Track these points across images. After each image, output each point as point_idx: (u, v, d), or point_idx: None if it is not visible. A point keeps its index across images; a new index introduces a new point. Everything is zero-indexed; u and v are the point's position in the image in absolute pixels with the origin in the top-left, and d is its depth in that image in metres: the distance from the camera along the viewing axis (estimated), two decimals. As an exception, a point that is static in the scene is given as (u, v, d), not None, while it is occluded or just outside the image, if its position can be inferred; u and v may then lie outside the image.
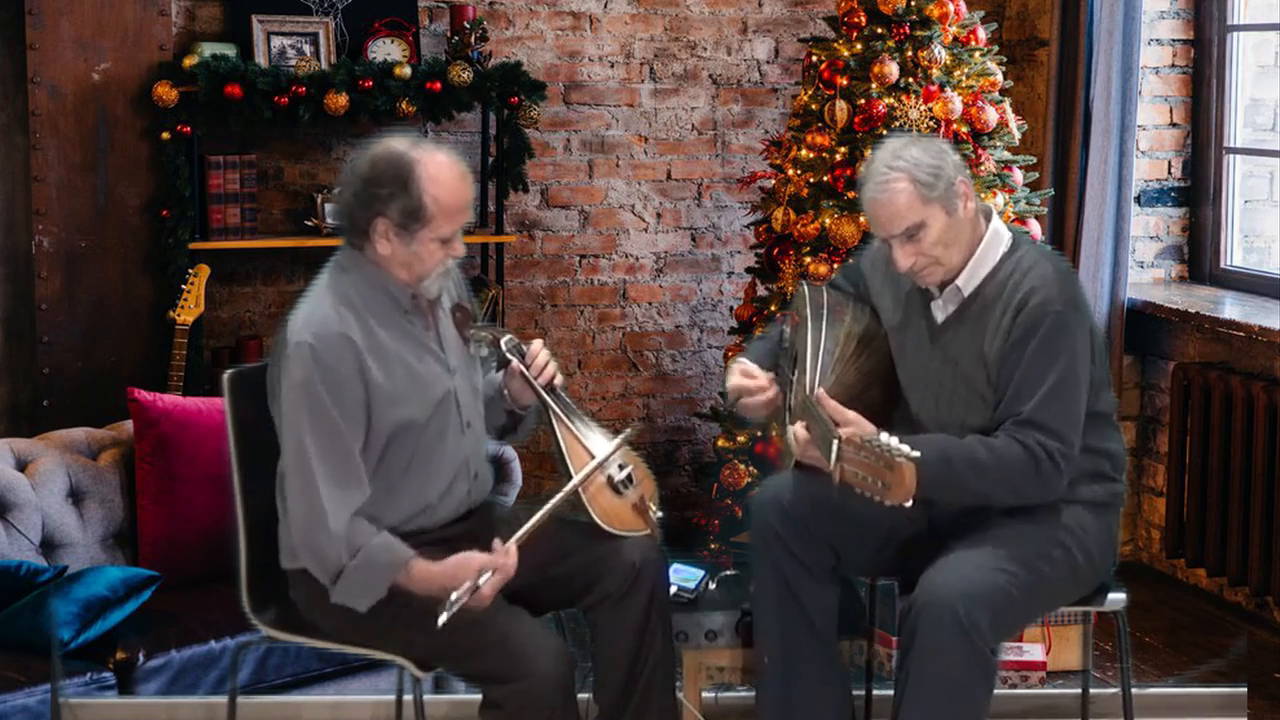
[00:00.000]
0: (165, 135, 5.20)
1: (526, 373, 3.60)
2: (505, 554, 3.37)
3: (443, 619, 3.28)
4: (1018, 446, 3.43)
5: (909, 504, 3.22)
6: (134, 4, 5.25)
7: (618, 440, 3.61)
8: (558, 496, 3.50)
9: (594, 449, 3.58)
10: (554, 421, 3.60)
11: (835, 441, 3.29)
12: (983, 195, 4.98)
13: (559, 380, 3.65)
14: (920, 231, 3.52)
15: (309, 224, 5.46)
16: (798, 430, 3.52)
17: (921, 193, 3.50)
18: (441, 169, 3.43)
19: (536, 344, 3.65)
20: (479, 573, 3.33)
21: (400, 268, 3.47)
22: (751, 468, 5.16)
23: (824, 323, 3.62)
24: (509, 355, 3.61)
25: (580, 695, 3.53)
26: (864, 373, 3.61)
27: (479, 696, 3.46)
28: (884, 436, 3.26)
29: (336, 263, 3.53)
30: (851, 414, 3.44)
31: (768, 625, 3.70)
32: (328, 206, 5.41)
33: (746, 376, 3.66)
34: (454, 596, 3.29)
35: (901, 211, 3.51)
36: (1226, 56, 5.76)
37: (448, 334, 3.59)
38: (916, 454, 3.21)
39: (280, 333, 3.47)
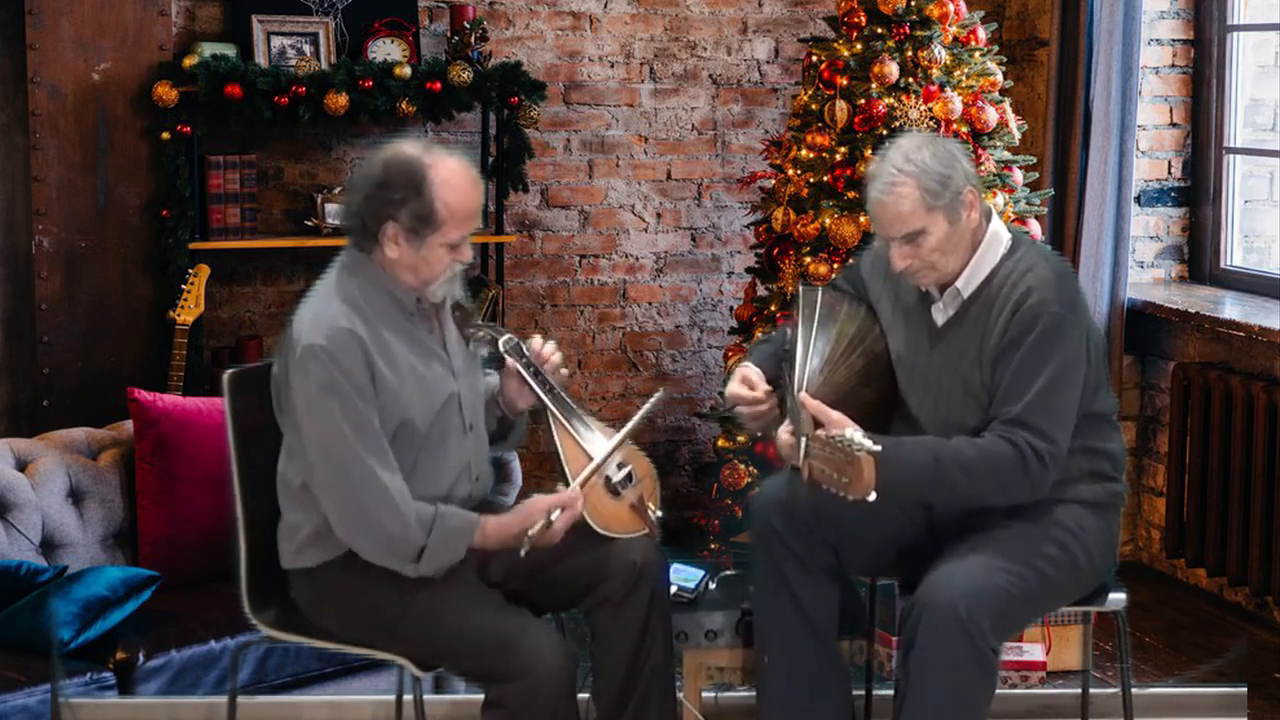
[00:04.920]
0: (165, 135, 5.20)
1: (524, 373, 3.60)
2: (573, 491, 3.50)
3: (524, 552, 3.43)
4: (1006, 445, 3.43)
5: (871, 498, 3.24)
6: (134, 4, 5.25)
7: (652, 400, 3.64)
8: (615, 439, 3.58)
9: (593, 450, 3.58)
10: (551, 423, 3.60)
11: (804, 439, 3.32)
12: (983, 195, 4.98)
13: (564, 371, 3.65)
14: (920, 237, 3.52)
15: (309, 224, 5.46)
16: (782, 433, 3.53)
17: (926, 200, 3.49)
18: (454, 174, 3.42)
19: (537, 339, 3.65)
20: (548, 512, 3.45)
21: (407, 272, 3.46)
22: (751, 468, 5.16)
23: (815, 323, 3.62)
24: (506, 355, 3.61)
25: (580, 695, 3.53)
26: (855, 372, 3.61)
27: (479, 696, 3.46)
28: (849, 432, 3.28)
29: (342, 264, 3.52)
30: (836, 415, 3.43)
31: (768, 625, 3.71)
32: (328, 206, 5.41)
33: (746, 385, 3.65)
34: (530, 533, 3.43)
35: (904, 216, 3.50)
36: (1226, 56, 5.76)
37: (451, 336, 3.59)
38: (877, 448, 3.23)
39: (285, 336, 3.46)
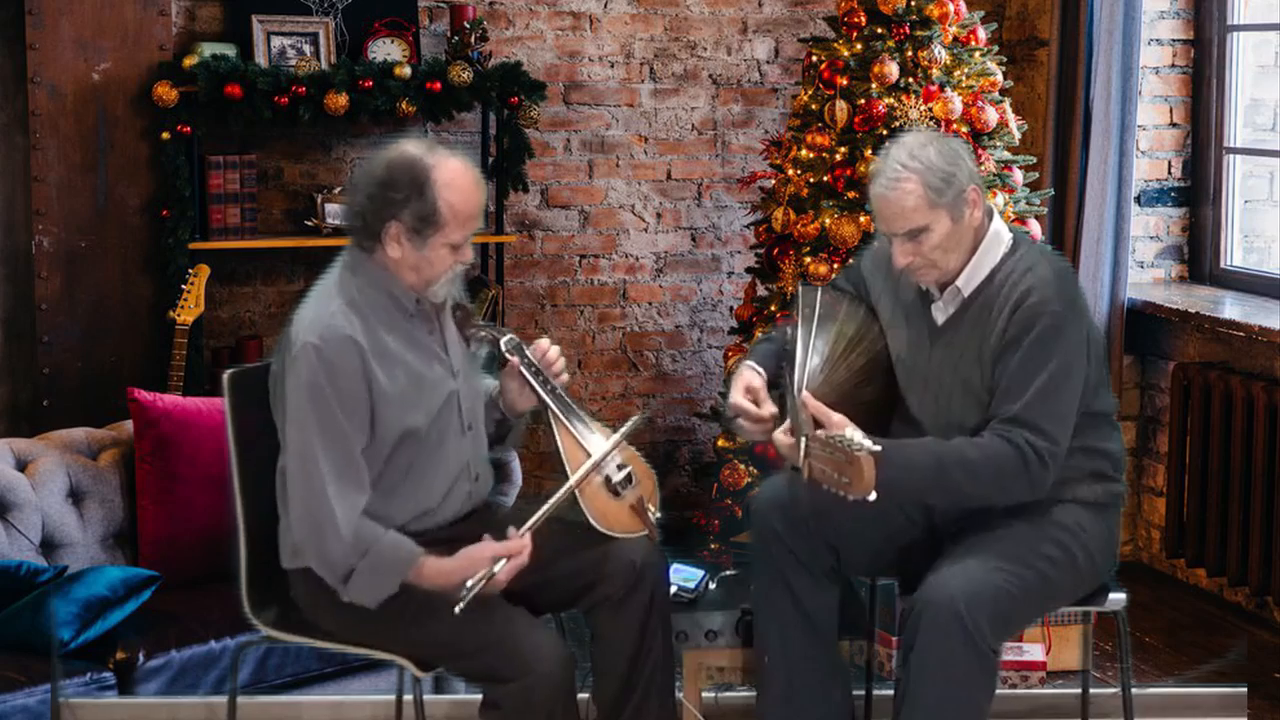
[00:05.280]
0: (165, 135, 5.20)
1: (525, 372, 3.60)
2: (519, 540, 3.40)
3: (459, 608, 3.31)
4: (1006, 445, 3.43)
5: (871, 498, 3.24)
6: (134, 4, 5.25)
7: (630, 423, 3.59)
8: (566, 486, 3.51)
9: (593, 450, 3.58)
10: (553, 422, 3.60)
11: (804, 439, 3.32)
12: (986, 194, 4.99)
13: (564, 378, 3.65)
14: (923, 235, 3.52)
15: (309, 224, 5.46)
16: (779, 435, 3.52)
17: (930, 197, 3.49)
18: (457, 175, 3.43)
19: (544, 341, 3.65)
20: (493, 561, 3.36)
21: (409, 272, 3.46)
22: (751, 468, 5.16)
23: (815, 323, 3.62)
24: (508, 354, 3.61)
25: (580, 695, 3.53)
26: (855, 371, 3.61)
27: (479, 696, 3.46)
28: (848, 431, 3.28)
29: (344, 263, 3.52)
30: (837, 416, 3.43)
31: (768, 625, 3.70)
32: (328, 206, 5.41)
33: (749, 395, 3.63)
34: (469, 584, 3.32)
35: (907, 212, 3.50)
36: (1226, 56, 5.76)
37: (451, 337, 3.59)
38: (876, 447, 3.23)
39: (284, 332, 3.46)
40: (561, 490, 3.51)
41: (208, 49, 5.25)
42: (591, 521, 3.54)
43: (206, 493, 4.30)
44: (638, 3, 5.97)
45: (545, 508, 3.47)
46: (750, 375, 3.65)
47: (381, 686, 4.23)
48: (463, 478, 3.57)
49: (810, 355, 3.56)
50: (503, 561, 3.37)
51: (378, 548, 3.36)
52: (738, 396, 3.62)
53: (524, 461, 5.01)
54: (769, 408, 3.60)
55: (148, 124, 5.27)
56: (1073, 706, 4.18)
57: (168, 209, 5.24)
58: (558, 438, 3.59)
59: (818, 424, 3.43)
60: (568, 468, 3.56)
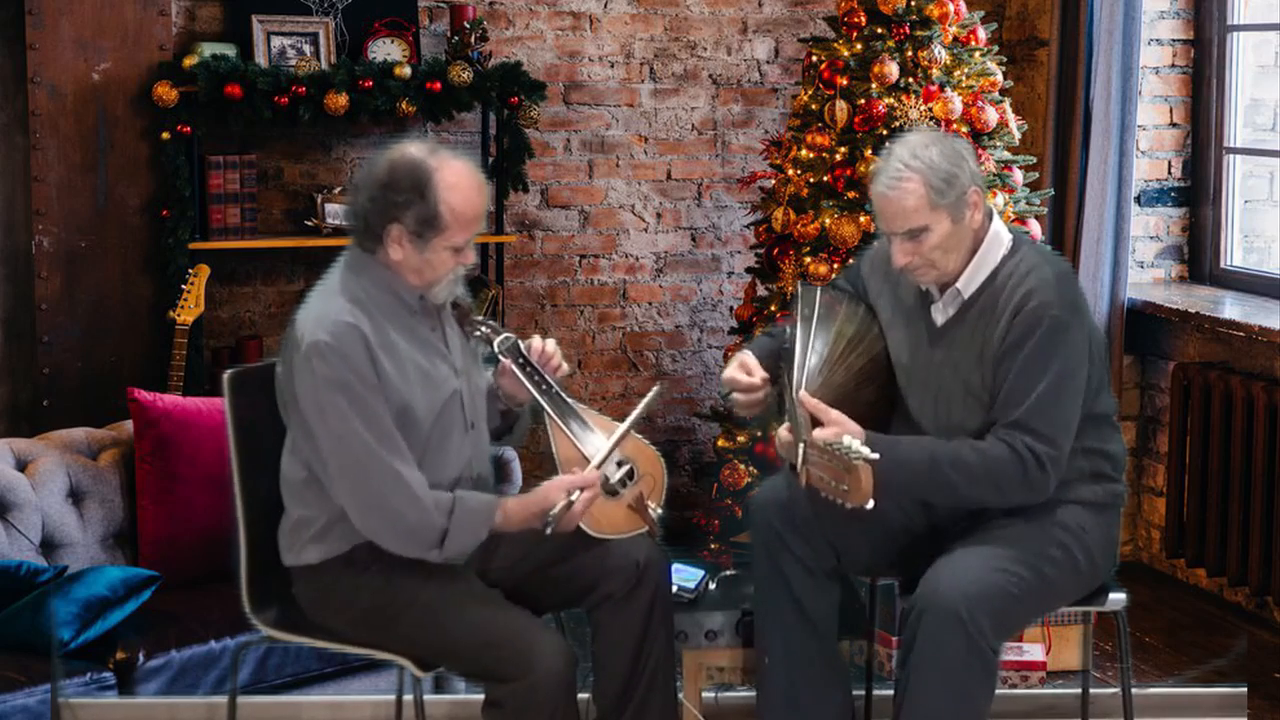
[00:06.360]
0: (165, 135, 5.20)
1: (520, 373, 3.60)
2: (592, 474, 3.50)
3: (549, 530, 3.42)
4: (1005, 449, 3.43)
5: (869, 506, 3.24)
6: (134, 4, 5.25)
7: (652, 394, 3.63)
8: (627, 422, 3.58)
9: (589, 450, 3.57)
10: (547, 423, 3.60)
11: (801, 445, 3.32)
12: (987, 196, 4.99)
13: (564, 369, 3.65)
14: (923, 235, 3.51)
15: (309, 224, 5.46)
16: (782, 433, 3.52)
17: (931, 198, 3.49)
18: (459, 177, 3.42)
19: (537, 339, 3.65)
20: (568, 492, 3.45)
21: (411, 273, 3.46)
22: (751, 468, 5.16)
23: (814, 323, 3.62)
24: (501, 355, 3.60)
25: (581, 694, 3.53)
26: (855, 372, 3.61)
27: (479, 696, 3.46)
28: (847, 439, 3.28)
29: (346, 263, 3.52)
30: (835, 414, 3.43)
31: (768, 625, 3.70)
32: (328, 206, 5.41)
33: (743, 370, 3.66)
34: (553, 512, 3.42)
35: (908, 212, 3.50)
36: (1226, 56, 5.76)
37: (453, 334, 3.59)
38: (875, 456, 3.23)
39: (289, 333, 3.45)
40: (623, 426, 3.57)
41: (208, 49, 5.25)
42: (582, 527, 3.54)
43: (206, 493, 4.31)
44: (638, 3, 5.97)
45: (610, 443, 3.55)
46: (745, 356, 3.69)
47: (381, 686, 4.23)
48: (464, 476, 3.57)
49: (809, 355, 3.56)
50: (578, 492, 3.45)
51: (462, 504, 3.41)
52: (731, 370, 3.66)
53: (524, 461, 5.01)
54: (760, 373, 3.62)
55: (148, 124, 5.27)
56: (1073, 706, 4.18)
57: (168, 209, 5.24)
58: (552, 439, 3.59)
59: (815, 422, 3.43)
60: (560, 471, 3.56)
